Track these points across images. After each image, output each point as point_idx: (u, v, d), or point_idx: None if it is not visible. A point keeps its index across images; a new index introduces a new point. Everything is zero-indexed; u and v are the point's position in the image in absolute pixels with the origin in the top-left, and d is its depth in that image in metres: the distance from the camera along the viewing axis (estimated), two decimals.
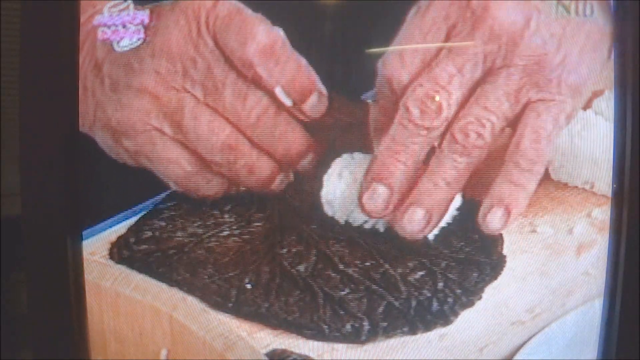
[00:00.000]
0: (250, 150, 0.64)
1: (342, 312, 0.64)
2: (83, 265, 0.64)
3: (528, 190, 0.64)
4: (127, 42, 0.63)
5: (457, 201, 0.65)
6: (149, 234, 0.65)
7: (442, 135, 0.62)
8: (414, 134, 0.62)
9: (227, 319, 0.64)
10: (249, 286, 0.64)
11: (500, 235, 0.65)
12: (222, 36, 0.63)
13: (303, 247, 0.65)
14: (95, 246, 0.65)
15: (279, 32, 0.63)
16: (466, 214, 0.65)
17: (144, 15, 0.63)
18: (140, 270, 0.65)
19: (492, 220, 0.64)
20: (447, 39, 0.62)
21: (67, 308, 0.64)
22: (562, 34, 0.63)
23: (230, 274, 0.65)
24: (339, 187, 0.64)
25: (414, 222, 0.63)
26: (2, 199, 0.79)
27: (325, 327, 0.63)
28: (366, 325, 0.63)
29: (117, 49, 0.63)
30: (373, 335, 0.63)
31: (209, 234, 0.65)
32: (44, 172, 0.63)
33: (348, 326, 0.63)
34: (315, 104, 0.64)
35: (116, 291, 0.64)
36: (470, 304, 0.64)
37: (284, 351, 0.63)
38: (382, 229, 0.65)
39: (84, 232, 0.65)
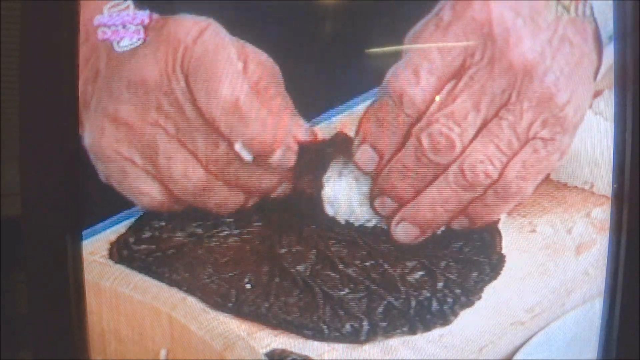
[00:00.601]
0: (222, 189, 0.64)
1: (341, 312, 0.64)
2: (83, 265, 0.64)
3: (495, 216, 0.64)
4: (127, 42, 0.63)
5: None
6: (149, 233, 0.65)
7: (449, 165, 0.63)
8: (424, 164, 0.62)
9: (226, 319, 0.64)
10: (248, 286, 0.64)
11: (500, 234, 0.65)
12: (193, 79, 0.62)
13: (303, 247, 0.65)
14: (95, 246, 0.65)
15: (252, 77, 0.62)
16: None
17: (144, 15, 0.63)
18: (140, 270, 0.65)
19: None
20: (464, 63, 0.62)
21: (67, 308, 0.64)
22: (568, 71, 0.62)
23: (229, 274, 0.65)
24: (340, 187, 0.64)
25: (406, 236, 0.64)
26: (2, 199, 0.79)
27: (325, 327, 0.63)
28: (366, 325, 0.63)
29: (117, 49, 0.63)
30: (373, 335, 0.63)
31: (209, 233, 0.65)
32: (44, 172, 0.63)
33: (348, 326, 0.63)
34: (281, 158, 0.64)
35: (116, 291, 0.64)
36: (469, 303, 0.64)
37: (283, 351, 0.63)
38: (385, 228, 0.65)
39: (84, 232, 0.65)
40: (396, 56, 0.63)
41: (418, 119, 0.62)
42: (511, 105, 0.62)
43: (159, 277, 0.64)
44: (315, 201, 0.65)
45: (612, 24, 0.64)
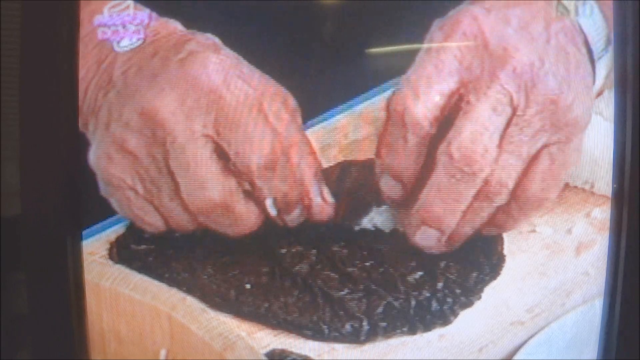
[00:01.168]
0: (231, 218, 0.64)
1: (341, 312, 0.64)
2: (83, 265, 0.64)
3: (521, 225, 0.65)
4: (127, 42, 0.63)
5: None
6: (148, 234, 0.65)
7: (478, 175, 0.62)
8: (458, 179, 0.62)
9: (226, 319, 0.64)
10: (248, 286, 0.64)
11: (500, 234, 0.65)
12: (226, 134, 0.62)
13: (302, 247, 0.65)
14: (95, 246, 0.65)
15: (275, 120, 0.62)
16: None
17: (144, 15, 0.63)
18: (140, 270, 0.65)
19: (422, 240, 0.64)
20: (462, 78, 0.62)
21: (66, 308, 0.64)
22: (567, 75, 0.62)
23: (229, 274, 0.65)
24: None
25: (430, 241, 0.64)
26: (2, 199, 0.79)
27: (325, 327, 0.63)
28: (365, 325, 0.63)
29: (117, 49, 0.63)
30: (372, 335, 0.63)
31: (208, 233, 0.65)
32: (44, 172, 0.63)
33: (347, 326, 0.63)
34: (296, 217, 0.64)
35: (115, 291, 0.64)
36: (469, 304, 0.64)
37: (283, 351, 0.63)
38: (386, 230, 0.65)
39: (84, 232, 0.65)
40: (395, 55, 0.63)
41: (436, 136, 0.62)
42: (522, 109, 0.61)
43: (159, 277, 0.65)
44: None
45: (602, 43, 0.64)
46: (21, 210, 0.63)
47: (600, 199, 0.65)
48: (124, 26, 0.63)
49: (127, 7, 0.63)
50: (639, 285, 0.63)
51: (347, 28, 0.64)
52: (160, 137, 0.62)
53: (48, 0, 0.62)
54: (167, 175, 0.62)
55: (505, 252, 0.65)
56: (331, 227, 0.65)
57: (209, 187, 0.62)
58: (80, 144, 0.63)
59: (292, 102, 0.62)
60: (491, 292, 0.64)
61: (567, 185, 0.66)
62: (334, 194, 0.64)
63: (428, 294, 0.64)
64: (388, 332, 0.63)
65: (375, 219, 0.65)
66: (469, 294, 0.64)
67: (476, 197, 0.62)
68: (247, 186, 0.63)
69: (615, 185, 0.64)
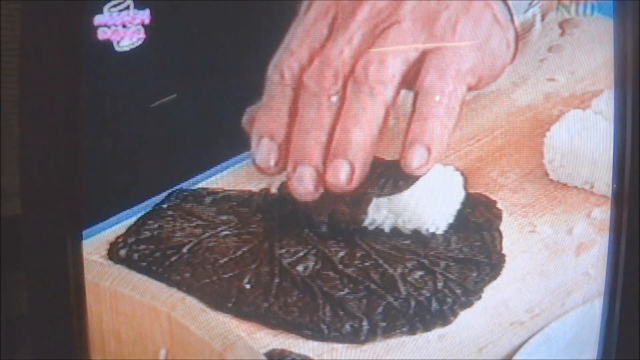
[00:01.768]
0: None
1: (341, 312, 0.64)
2: (83, 265, 0.64)
3: (445, 124, 0.64)
4: (127, 42, 0.63)
5: (460, 196, 0.65)
6: (148, 234, 0.65)
7: (344, 89, 0.63)
8: (318, 105, 0.63)
9: (226, 319, 0.64)
10: (248, 286, 0.64)
11: (500, 234, 0.65)
12: None
13: (302, 247, 0.65)
14: (95, 246, 0.65)
15: None
16: (467, 213, 0.65)
17: (144, 15, 0.63)
18: (139, 270, 0.65)
19: (412, 158, 0.64)
20: (331, 29, 0.63)
21: (66, 308, 0.64)
22: None
23: (229, 274, 0.65)
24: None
25: (339, 174, 0.63)
26: (2, 199, 0.79)
27: (325, 327, 0.63)
28: (365, 325, 0.63)
29: (117, 49, 0.63)
30: (372, 335, 0.63)
31: (208, 234, 0.65)
32: (44, 172, 0.63)
33: (347, 326, 0.63)
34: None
35: (115, 291, 0.64)
36: (469, 304, 0.64)
37: (283, 351, 0.63)
38: (387, 229, 0.65)
39: (84, 232, 0.65)
40: None
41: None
42: (387, 28, 0.63)
43: (158, 277, 0.65)
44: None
45: None
46: (21, 210, 0.63)
47: (601, 199, 0.65)
48: (124, 26, 0.63)
49: (127, 6, 0.63)
50: (639, 285, 0.63)
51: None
52: None
53: (48, 0, 0.62)
54: None
55: (505, 252, 0.65)
56: (331, 227, 0.65)
57: None
58: (80, 143, 0.64)
59: None
60: (491, 292, 0.64)
61: (566, 185, 0.66)
62: None
63: (428, 294, 0.64)
64: (388, 332, 0.63)
65: (376, 216, 0.65)
66: (468, 294, 0.64)
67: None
68: None
69: (615, 186, 0.64)
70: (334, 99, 0.63)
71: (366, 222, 0.65)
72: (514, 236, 0.65)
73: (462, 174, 0.65)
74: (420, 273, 0.64)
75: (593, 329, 0.65)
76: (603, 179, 0.65)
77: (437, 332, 0.64)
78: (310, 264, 0.64)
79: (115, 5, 0.63)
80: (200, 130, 0.65)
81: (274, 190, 0.65)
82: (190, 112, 0.65)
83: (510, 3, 0.64)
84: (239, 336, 0.64)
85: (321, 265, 0.64)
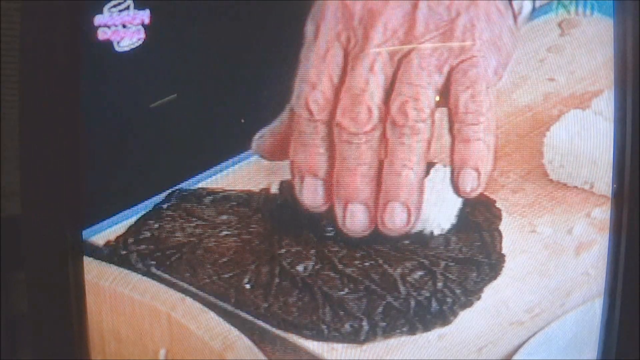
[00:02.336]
0: None
1: (341, 312, 0.64)
2: (83, 265, 0.64)
3: (487, 142, 0.64)
4: (127, 42, 0.63)
5: (459, 199, 0.65)
6: (148, 234, 0.65)
7: (383, 128, 0.63)
8: (357, 144, 0.63)
9: (226, 319, 0.64)
10: (248, 286, 0.64)
11: (500, 234, 0.65)
12: None
13: (302, 247, 0.65)
14: (95, 245, 0.65)
15: None
16: (467, 213, 0.65)
17: (144, 15, 0.63)
18: (139, 270, 0.65)
19: (464, 182, 0.64)
20: (346, 54, 0.63)
21: (66, 308, 0.64)
22: (455, 2, 0.63)
23: (229, 274, 0.65)
24: None
25: (396, 218, 0.64)
26: (2, 199, 0.79)
27: (325, 327, 0.63)
28: (365, 325, 0.63)
29: (117, 49, 0.63)
30: (372, 335, 0.63)
31: (208, 234, 0.65)
32: (44, 172, 0.63)
33: (347, 326, 0.63)
34: None
35: (115, 291, 0.64)
36: (469, 304, 0.64)
37: None
38: None
39: (84, 232, 0.65)
40: None
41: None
42: (407, 53, 0.63)
43: (158, 277, 0.65)
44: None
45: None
46: (21, 210, 0.63)
47: (601, 199, 0.65)
48: (124, 26, 0.63)
49: (127, 6, 0.63)
50: (639, 285, 0.63)
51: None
52: None
53: (48, 0, 0.62)
54: None
55: (505, 252, 0.65)
56: (337, 232, 0.65)
57: None
58: (80, 143, 0.64)
59: None
60: (491, 292, 0.64)
61: (566, 185, 0.66)
62: None
63: (428, 294, 0.64)
64: (388, 332, 0.63)
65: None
66: (468, 294, 0.64)
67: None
68: None
69: (615, 186, 0.64)
70: (375, 134, 0.63)
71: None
72: (514, 236, 0.65)
73: None
74: (420, 273, 0.64)
75: (593, 329, 0.65)
76: (603, 179, 0.65)
77: (437, 332, 0.64)
78: (310, 264, 0.64)
79: (115, 6, 0.63)
80: (200, 130, 0.65)
81: (274, 190, 0.65)
82: (190, 112, 0.65)
83: None
84: (239, 336, 0.64)
85: (321, 265, 0.64)
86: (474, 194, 0.64)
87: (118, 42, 0.63)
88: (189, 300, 0.64)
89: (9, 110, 0.77)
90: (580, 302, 0.65)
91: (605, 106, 0.64)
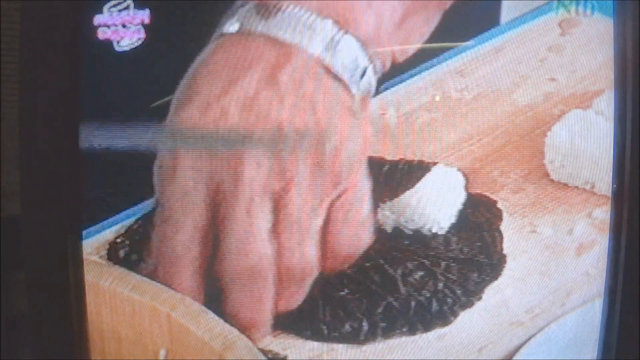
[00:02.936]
0: None
1: (341, 312, 0.63)
2: (83, 265, 0.64)
3: None
4: (127, 42, 0.63)
5: (461, 196, 0.65)
6: (148, 234, 0.65)
7: None
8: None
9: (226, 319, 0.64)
10: None
11: (500, 234, 0.65)
12: None
13: None
14: (95, 246, 0.65)
15: None
16: (468, 213, 0.65)
17: (144, 14, 0.63)
18: (139, 270, 0.65)
19: None
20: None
21: (66, 308, 0.64)
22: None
23: None
24: None
25: None
26: (2, 199, 0.79)
27: (324, 327, 0.63)
28: (365, 325, 0.63)
29: (117, 49, 0.63)
30: (372, 335, 0.63)
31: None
32: (44, 172, 0.63)
33: (347, 326, 0.63)
34: None
35: (115, 291, 0.64)
36: (469, 304, 0.64)
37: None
38: (388, 230, 0.65)
39: (84, 232, 0.65)
40: None
41: None
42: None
43: (158, 277, 0.65)
44: None
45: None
46: (21, 210, 0.63)
47: (601, 199, 0.65)
48: (124, 26, 0.63)
49: (127, 6, 0.63)
50: (639, 285, 0.63)
51: None
52: None
53: (48, 0, 0.62)
54: None
55: (505, 252, 0.65)
56: None
57: None
58: (80, 143, 0.64)
59: None
60: (491, 292, 0.64)
61: (567, 185, 0.66)
62: None
63: (428, 294, 0.64)
64: (388, 333, 0.63)
65: (377, 216, 0.65)
66: (469, 294, 0.64)
67: None
68: None
69: (615, 186, 0.64)
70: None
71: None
72: (515, 236, 0.65)
73: (463, 174, 0.65)
74: (421, 273, 0.64)
75: (593, 329, 0.65)
76: (604, 179, 0.65)
77: (437, 332, 0.64)
78: None
79: (115, 5, 0.63)
80: None
81: None
82: None
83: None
84: (239, 336, 0.64)
85: None
86: None
87: (118, 42, 0.63)
88: (189, 300, 0.64)
89: (9, 110, 0.76)
90: (580, 302, 0.65)
91: (606, 106, 0.64)
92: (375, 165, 0.64)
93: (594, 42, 0.64)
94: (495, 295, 0.64)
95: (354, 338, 0.63)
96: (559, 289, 0.65)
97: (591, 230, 0.65)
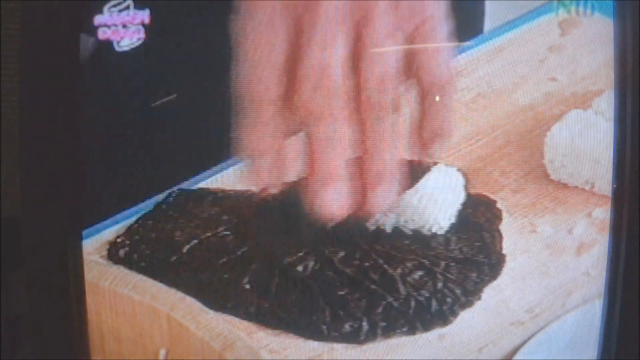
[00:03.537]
0: None
1: (341, 312, 0.63)
2: (83, 265, 0.64)
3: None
4: (127, 42, 0.63)
5: (461, 196, 0.65)
6: (148, 234, 0.65)
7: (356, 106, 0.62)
8: (337, 131, 0.62)
9: (226, 319, 0.64)
10: (247, 286, 0.64)
11: (500, 234, 0.65)
12: None
13: (302, 247, 0.65)
14: (95, 246, 0.65)
15: None
16: (468, 213, 0.65)
17: (144, 15, 0.63)
18: (139, 270, 0.65)
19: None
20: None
21: (66, 308, 0.64)
22: None
23: (229, 274, 0.64)
24: None
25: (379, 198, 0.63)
26: (2, 199, 0.79)
27: (324, 327, 0.63)
28: (365, 325, 0.63)
29: (117, 49, 0.63)
30: (372, 335, 0.63)
31: (208, 234, 0.65)
32: (44, 172, 0.63)
33: (347, 326, 0.63)
34: None
35: (115, 291, 0.64)
36: (469, 304, 0.64)
37: None
38: (388, 229, 0.65)
39: (84, 232, 0.65)
40: None
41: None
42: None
43: (158, 277, 0.65)
44: None
45: None
46: (21, 210, 0.63)
47: (601, 199, 0.65)
48: (124, 26, 0.63)
49: (127, 6, 0.63)
50: (639, 285, 0.63)
51: None
52: None
53: (48, 0, 0.62)
54: None
55: (505, 252, 0.65)
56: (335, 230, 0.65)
57: None
58: (80, 143, 0.64)
59: None
60: (491, 292, 0.64)
61: (567, 185, 0.66)
62: None
63: (428, 294, 0.64)
64: (387, 332, 0.63)
65: (377, 216, 0.65)
66: (468, 294, 0.64)
67: None
68: None
69: (615, 186, 0.64)
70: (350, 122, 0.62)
71: (367, 222, 0.65)
72: (515, 236, 0.65)
73: (463, 174, 0.65)
74: (420, 273, 0.64)
75: (593, 329, 0.65)
76: (604, 179, 0.65)
77: (437, 332, 0.64)
78: (310, 264, 0.64)
79: (115, 5, 0.63)
80: (200, 130, 0.65)
81: (273, 190, 0.65)
82: (190, 112, 0.65)
83: None
84: (239, 336, 0.64)
85: (321, 265, 0.64)
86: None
87: (118, 42, 0.63)
88: (188, 300, 0.64)
89: (9, 110, 0.76)
90: (580, 302, 0.65)
91: (606, 106, 0.64)
92: None
93: (594, 42, 0.65)
94: (495, 295, 0.64)
95: (354, 338, 0.63)
96: (559, 288, 0.65)
97: (591, 230, 0.65)
